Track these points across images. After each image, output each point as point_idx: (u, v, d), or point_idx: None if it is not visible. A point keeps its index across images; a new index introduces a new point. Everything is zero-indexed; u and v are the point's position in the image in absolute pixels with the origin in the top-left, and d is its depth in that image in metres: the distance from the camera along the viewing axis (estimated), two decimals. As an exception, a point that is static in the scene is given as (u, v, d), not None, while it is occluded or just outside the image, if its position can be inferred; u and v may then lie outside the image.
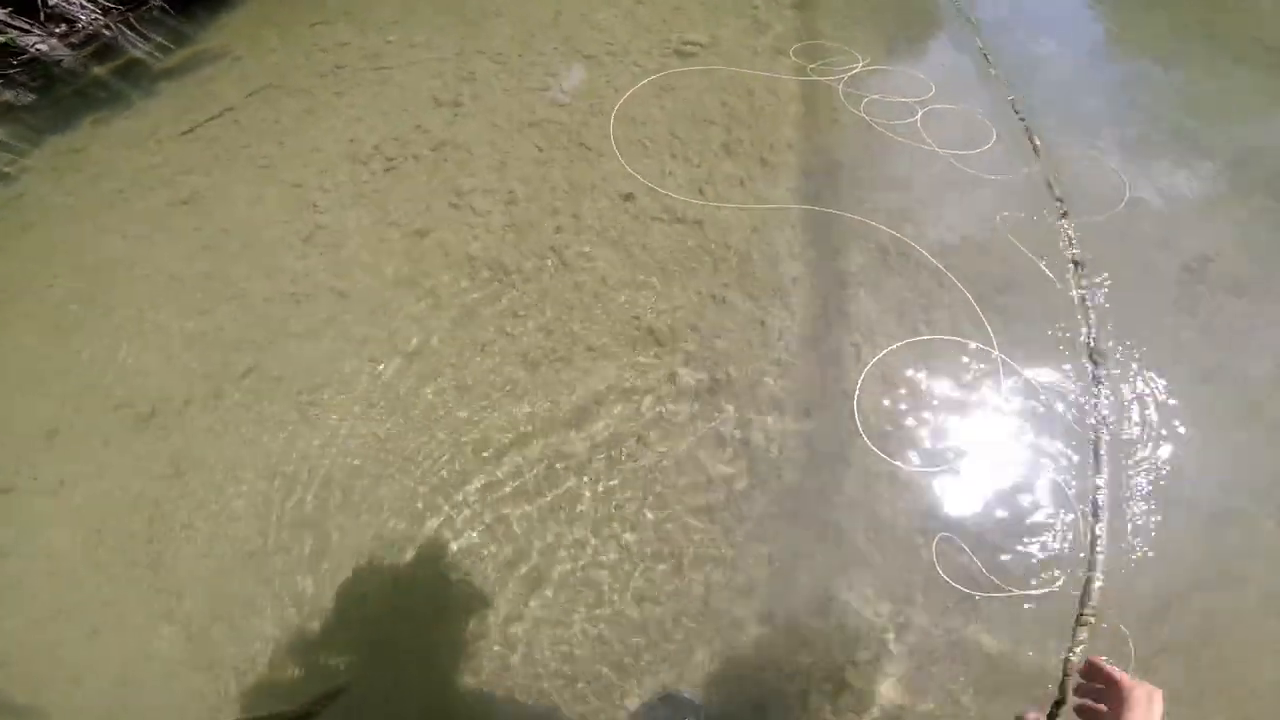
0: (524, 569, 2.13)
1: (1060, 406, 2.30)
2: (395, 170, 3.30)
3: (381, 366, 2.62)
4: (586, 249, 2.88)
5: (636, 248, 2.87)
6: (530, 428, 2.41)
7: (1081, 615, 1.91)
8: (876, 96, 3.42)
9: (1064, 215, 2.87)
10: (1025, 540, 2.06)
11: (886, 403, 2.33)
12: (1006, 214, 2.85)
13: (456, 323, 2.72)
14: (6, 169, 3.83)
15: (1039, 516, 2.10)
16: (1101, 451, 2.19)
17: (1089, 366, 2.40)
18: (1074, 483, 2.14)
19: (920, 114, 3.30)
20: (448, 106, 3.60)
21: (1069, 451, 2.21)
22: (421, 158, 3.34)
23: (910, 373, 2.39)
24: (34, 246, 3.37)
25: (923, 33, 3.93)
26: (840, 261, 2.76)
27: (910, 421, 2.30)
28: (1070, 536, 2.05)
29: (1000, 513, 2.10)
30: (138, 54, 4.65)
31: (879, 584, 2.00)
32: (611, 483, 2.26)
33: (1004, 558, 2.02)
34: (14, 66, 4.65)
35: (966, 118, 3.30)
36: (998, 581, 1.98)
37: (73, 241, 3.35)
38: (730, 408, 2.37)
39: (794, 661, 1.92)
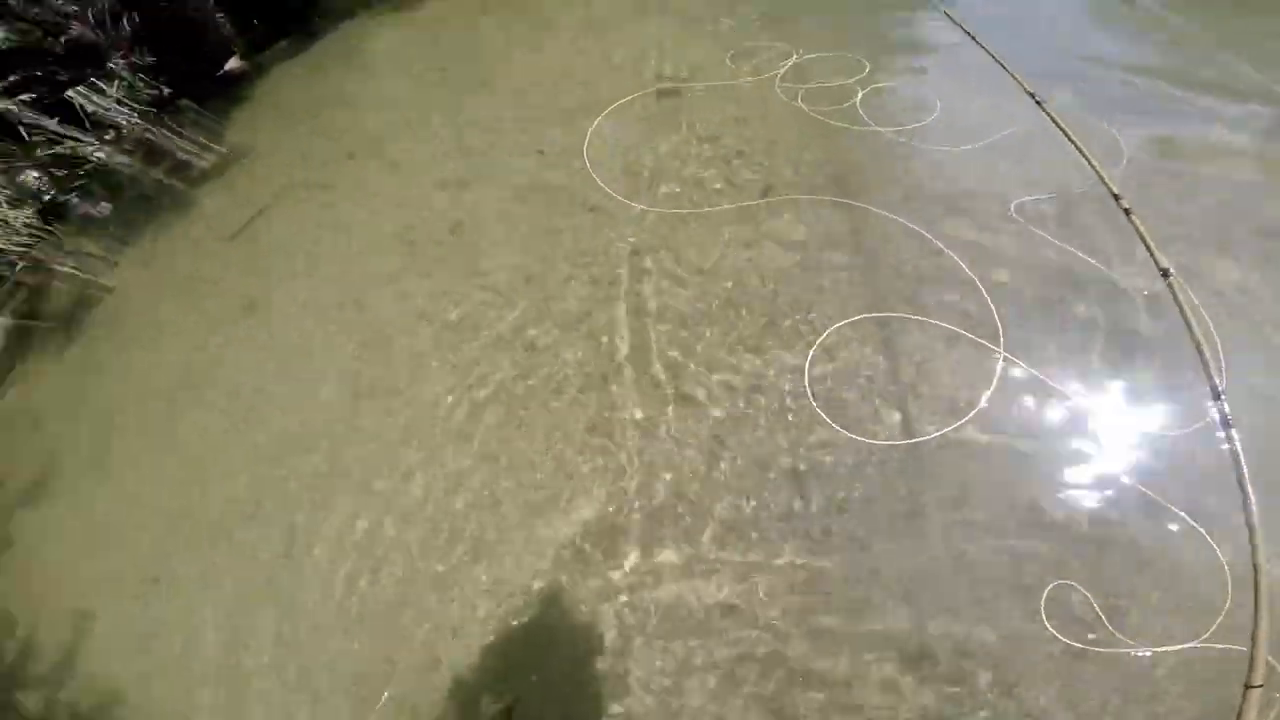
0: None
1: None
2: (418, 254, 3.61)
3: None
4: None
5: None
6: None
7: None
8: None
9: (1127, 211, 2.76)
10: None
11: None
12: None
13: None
14: (107, 282, 4.26)
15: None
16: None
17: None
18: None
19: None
20: (452, 187, 3.86)
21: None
22: (443, 242, 3.64)
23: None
24: (135, 362, 3.74)
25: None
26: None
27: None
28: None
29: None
30: (181, 156, 5.07)
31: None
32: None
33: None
34: (81, 177, 5.17)
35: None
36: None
37: (159, 359, 3.65)
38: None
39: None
